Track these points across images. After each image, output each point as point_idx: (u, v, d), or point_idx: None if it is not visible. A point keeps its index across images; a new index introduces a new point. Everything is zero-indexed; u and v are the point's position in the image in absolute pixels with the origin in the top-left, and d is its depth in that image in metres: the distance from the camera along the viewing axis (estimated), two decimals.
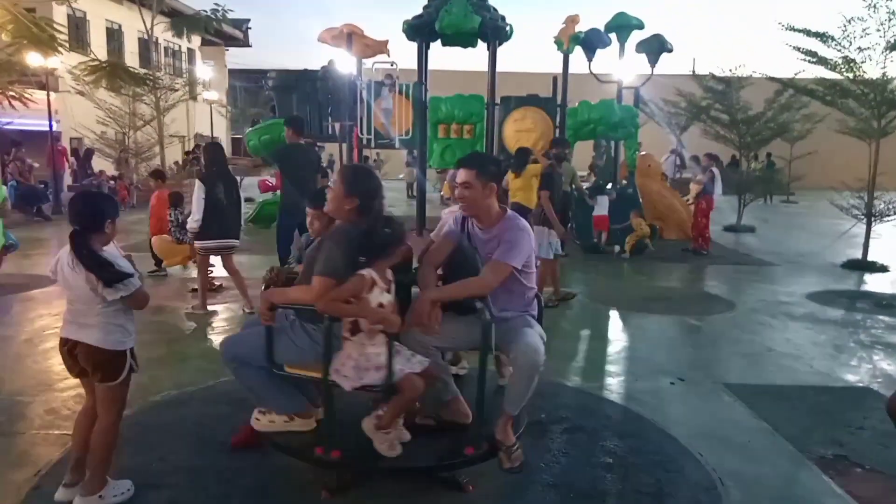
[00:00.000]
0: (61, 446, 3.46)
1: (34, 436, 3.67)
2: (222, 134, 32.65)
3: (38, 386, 4.42)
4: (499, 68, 11.73)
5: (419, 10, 11.73)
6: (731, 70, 13.49)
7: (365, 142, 11.48)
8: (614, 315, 6.83)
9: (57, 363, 4.84)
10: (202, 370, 4.75)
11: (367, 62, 12.23)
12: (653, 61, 11.50)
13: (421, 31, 11.87)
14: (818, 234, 13.44)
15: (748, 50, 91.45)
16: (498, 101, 11.62)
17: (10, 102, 13.03)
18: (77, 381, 3.04)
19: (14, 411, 4.00)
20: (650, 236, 10.50)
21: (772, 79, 12.63)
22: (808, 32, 9.34)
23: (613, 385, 4.65)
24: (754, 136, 13.73)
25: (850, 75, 9.36)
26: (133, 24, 19.49)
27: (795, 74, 13.08)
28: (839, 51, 9.18)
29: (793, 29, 9.52)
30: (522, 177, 7.86)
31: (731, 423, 4.03)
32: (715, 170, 11.22)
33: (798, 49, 9.67)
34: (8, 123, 15.68)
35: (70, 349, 2.80)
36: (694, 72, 18.46)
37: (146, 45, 19.18)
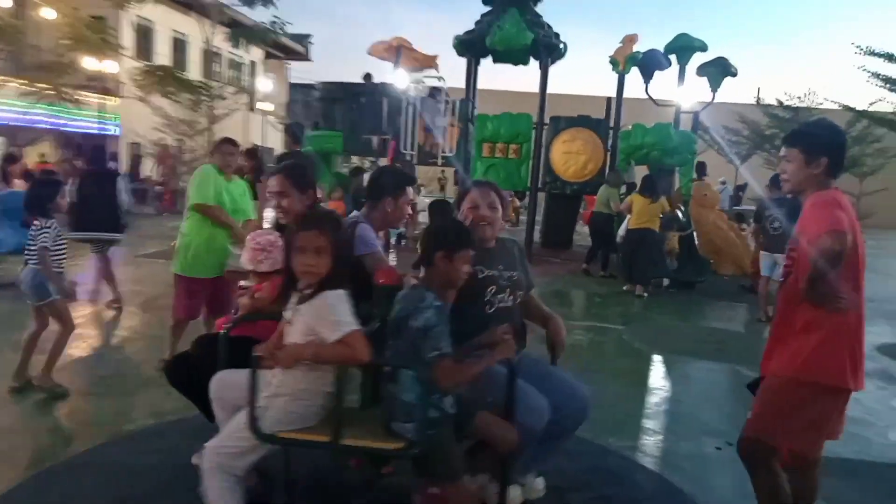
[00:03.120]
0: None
1: None
2: (278, 145, 33.03)
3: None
4: (551, 89, 11.25)
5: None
6: (799, 98, 12.63)
7: (408, 157, 11.15)
8: (656, 359, 6.16)
9: None
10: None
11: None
12: (715, 85, 10.84)
13: (471, 46, 11.52)
14: (890, 277, 12.38)
15: (817, 77, 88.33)
16: (547, 120, 11.14)
17: (61, 100, 13.25)
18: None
19: None
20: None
21: (847, 108, 11.74)
22: (890, 57, 8.55)
23: (649, 446, 4.04)
24: None
25: None
26: (198, 35, 19.85)
27: (871, 104, 12.16)
28: None
29: (872, 53, 8.73)
30: (658, 204, 8.77)
31: None
32: None
33: (877, 75, 8.87)
34: (64, 125, 16.06)
35: None
36: (758, 100, 17.53)
37: (210, 57, 19.56)
